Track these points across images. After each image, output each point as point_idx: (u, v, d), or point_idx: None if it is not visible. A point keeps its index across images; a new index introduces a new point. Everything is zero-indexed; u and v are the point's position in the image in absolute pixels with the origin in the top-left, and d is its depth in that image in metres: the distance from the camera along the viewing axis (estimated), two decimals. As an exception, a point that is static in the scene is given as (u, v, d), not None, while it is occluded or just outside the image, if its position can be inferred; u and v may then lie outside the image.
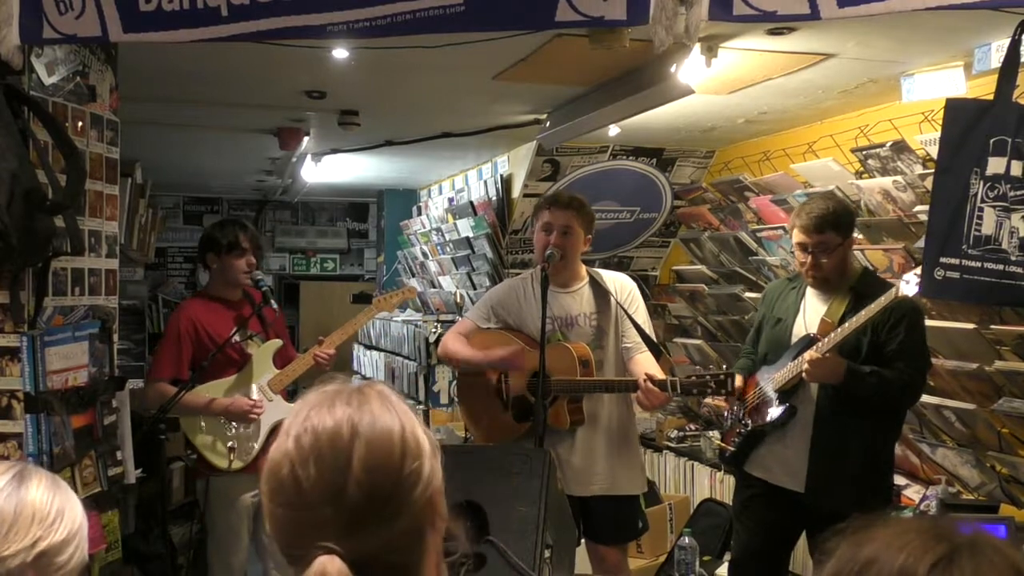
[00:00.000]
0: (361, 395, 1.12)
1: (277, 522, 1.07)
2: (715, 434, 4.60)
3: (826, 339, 2.94)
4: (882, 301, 2.84)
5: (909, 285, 2.80)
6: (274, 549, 1.12)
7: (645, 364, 3.30)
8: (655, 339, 3.43)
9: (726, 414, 3.42)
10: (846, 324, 2.90)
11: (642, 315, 3.38)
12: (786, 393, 3.10)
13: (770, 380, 3.14)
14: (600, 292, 3.36)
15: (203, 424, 3.58)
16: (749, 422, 3.22)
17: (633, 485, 3.38)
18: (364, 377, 7.69)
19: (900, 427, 3.21)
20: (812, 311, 3.14)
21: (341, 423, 1.08)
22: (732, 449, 3.28)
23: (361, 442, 1.06)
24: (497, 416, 3.39)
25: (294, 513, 1.05)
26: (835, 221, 3.03)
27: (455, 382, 3.58)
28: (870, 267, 3.70)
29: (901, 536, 0.92)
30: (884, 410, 3.05)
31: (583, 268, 3.42)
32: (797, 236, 3.09)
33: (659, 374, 3.18)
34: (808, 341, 3.05)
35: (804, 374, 2.94)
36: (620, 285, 3.41)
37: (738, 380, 3.26)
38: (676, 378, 3.14)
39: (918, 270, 2.85)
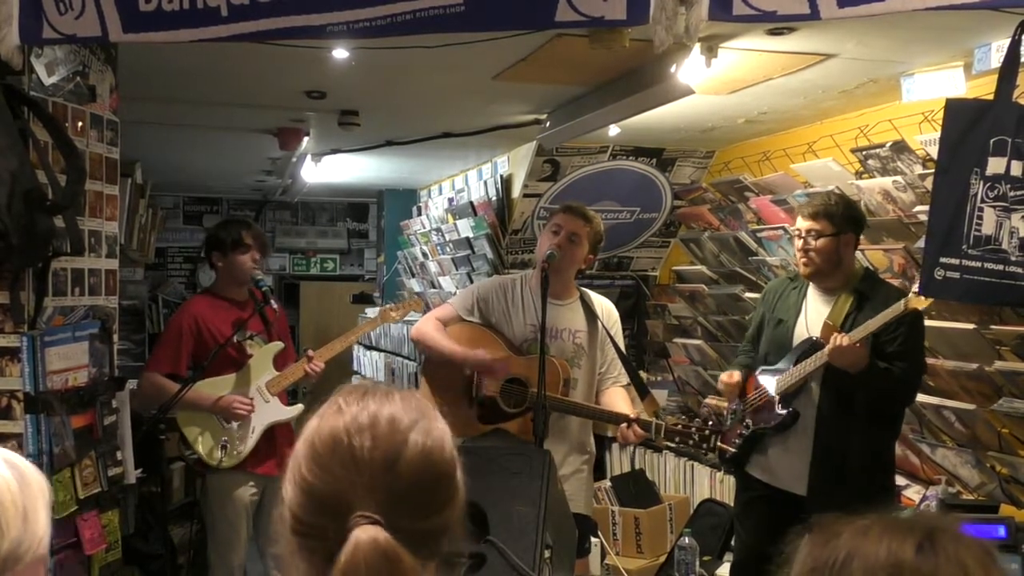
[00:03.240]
0: (418, 400, 1.14)
1: (309, 491, 1.05)
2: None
3: (859, 328, 2.92)
4: (890, 312, 2.85)
5: (919, 298, 2.81)
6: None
7: (614, 397, 3.30)
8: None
9: (725, 414, 3.42)
10: (870, 322, 2.90)
11: (620, 345, 3.39)
12: (788, 396, 3.10)
13: (772, 382, 3.14)
14: (589, 313, 3.35)
15: (198, 421, 3.60)
16: (750, 423, 3.22)
17: (586, 506, 3.38)
18: (364, 377, 7.69)
19: (899, 428, 3.23)
20: (814, 312, 3.14)
21: (401, 412, 1.09)
22: (732, 450, 3.28)
23: (419, 432, 1.08)
24: (460, 409, 3.30)
25: (342, 476, 1.04)
26: (830, 212, 3.07)
27: (422, 364, 3.52)
28: (871, 267, 3.71)
29: (871, 529, 0.94)
30: (884, 410, 3.06)
31: (574, 285, 3.41)
32: (797, 222, 3.16)
33: (630, 411, 3.19)
34: (811, 346, 3.05)
35: (829, 356, 2.92)
36: (607, 312, 3.41)
37: (736, 376, 3.28)
38: (661, 422, 3.14)
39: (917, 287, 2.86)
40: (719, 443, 3.40)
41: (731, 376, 3.27)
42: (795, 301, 3.22)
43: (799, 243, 3.13)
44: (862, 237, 3.77)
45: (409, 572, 1.00)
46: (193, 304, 3.77)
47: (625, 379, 3.36)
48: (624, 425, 3.12)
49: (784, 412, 3.10)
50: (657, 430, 3.10)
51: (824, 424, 3.04)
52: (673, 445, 3.35)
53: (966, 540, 0.93)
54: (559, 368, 3.20)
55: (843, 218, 3.07)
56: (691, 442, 3.11)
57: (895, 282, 3.52)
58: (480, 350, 3.25)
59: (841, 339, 2.89)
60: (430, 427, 1.10)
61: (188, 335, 3.62)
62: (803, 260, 3.12)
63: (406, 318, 6.31)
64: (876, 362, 2.93)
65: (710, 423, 3.20)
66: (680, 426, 3.15)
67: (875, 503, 3.17)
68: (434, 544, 1.08)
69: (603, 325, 3.33)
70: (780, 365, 3.15)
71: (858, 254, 3.70)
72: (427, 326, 3.40)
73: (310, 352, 3.74)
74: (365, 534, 1.00)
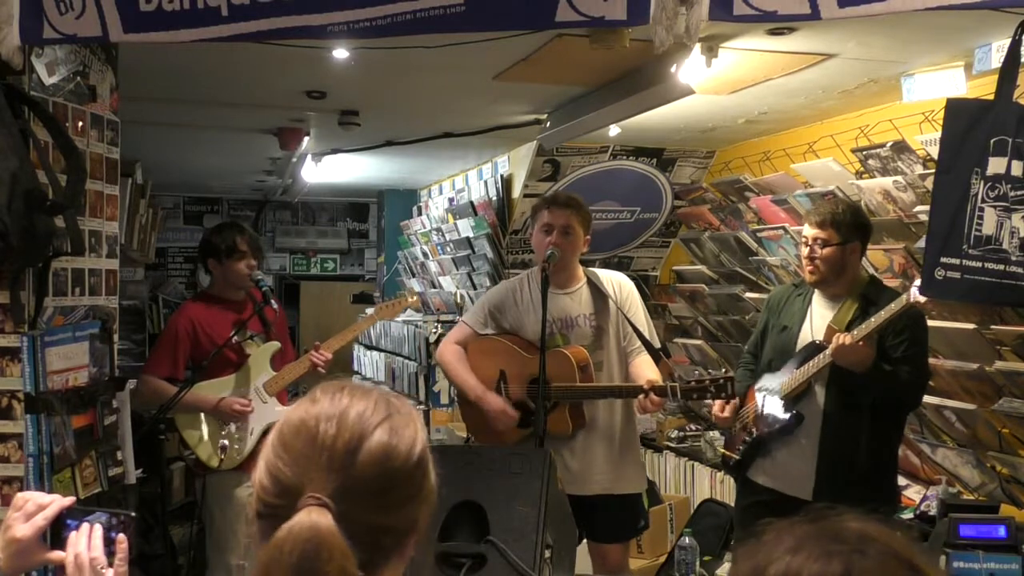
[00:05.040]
0: (400, 403, 1.16)
1: (273, 472, 1.08)
2: (715, 434, 4.60)
3: (862, 326, 2.90)
4: (894, 307, 2.84)
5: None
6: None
7: (644, 367, 3.30)
8: (655, 335, 3.43)
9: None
10: (872, 319, 2.89)
11: (640, 314, 3.38)
12: (791, 400, 3.10)
13: (776, 387, 3.13)
14: (598, 293, 3.36)
15: (196, 423, 3.59)
16: (754, 430, 3.21)
17: (633, 484, 3.38)
18: (364, 378, 7.69)
19: (902, 431, 3.22)
20: (819, 318, 3.13)
21: (372, 409, 1.12)
22: (737, 457, 3.27)
23: (384, 429, 1.10)
24: None
25: (302, 459, 1.07)
26: (838, 221, 3.05)
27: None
28: (872, 268, 3.70)
29: (798, 552, 0.93)
30: (889, 413, 3.06)
31: (581, 269, 3.42)
32: (804, 230, 3.14)
33: (657, 378, 3.19)
34: (814, 348, 3.04)
35: (833, 355, 2.92)
36: (618, 285, 3.41)
37: (728, 409, 3.24)
38: (676, 384, 3.13)
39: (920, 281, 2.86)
40: (724, 450, 3.40)
41: (722, 409, 3.25)
42: (800, 307, 3.21)
43: (805, 251, 3.11)
44: (862, 238, 3.78)
45: (336, 561, 1.00)
46: (189, 307, 3.77)
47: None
48: (641, 396, 3.13)
49: (788, 416, 3.09)
50: (672, 392, 3.10)
51: (829, 427, 3.03)
52: (693, 399, 3.27)
53: (888, 563, 0.91)
54: (571, 357, 3.20)
55: (850, 227, 3.05)
56: (709, 394, 3.09)
57: (895, 282, 3.52)
58: (493, 397, 3.31)
59: (844, 337, 2.88)
60: (398, 427, 1.11)
61: (185, 338, 3.63)
62: (808, 268, 3.10)
63: (404, 316, 6.35)
64: (881, 363, 2.92)
65: (724, 370, 3.16)
66: (694, 383, 3.12)
67: (879, 506, 3.14)
68: (388, 542, 1.09)
69: (614, 301, 3.33)
70: (784, 370, 3.14)
71: (859, 255, 3.71)
72: (447, 353, 3.48)
73: (317, 344, 3.75)
74: (307, 516, 1.02)
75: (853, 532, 0.94)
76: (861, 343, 2.87)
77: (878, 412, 3.00)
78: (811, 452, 3.05)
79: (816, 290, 3.18)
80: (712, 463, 4.63)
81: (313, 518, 1.02)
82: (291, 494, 1.05)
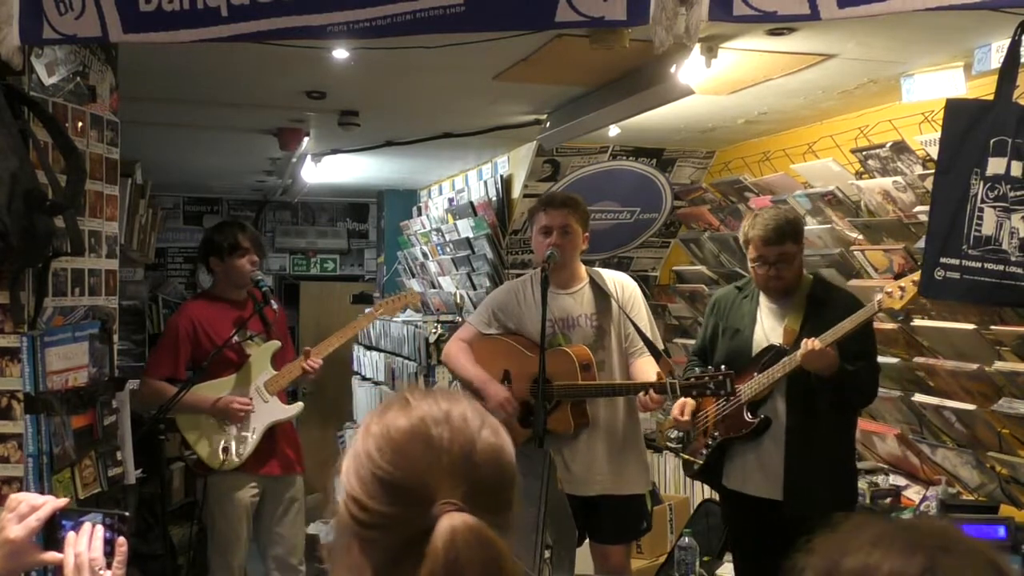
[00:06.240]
0: (480, 406, 1.14)
1: (386, 480, 1.03)
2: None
3: (829, 332, 2.93)
4: (866, 312, 2.92)
5: (892, 297, 2.86)
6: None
7: (644, 367, 3.31)
8: (658, 337, 3.44)
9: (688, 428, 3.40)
10: (839, 325, 2.93)
11: (643, 315, 3.38)
12: (755, 404, 3.12)
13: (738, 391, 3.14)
14: (601, 292, 3.37)
15: (197, 424, 3.59)
16: (717, 434, 3.22)
17: (637, 484, 3.38)
18: (364, 378, 7.69)
19: (856, 426, 3.28)
20: (770, 321, 3.17)
21: (471, 412, 1.10)
22: (699, 462, 3.28)
23: (488, 430, 1.08)
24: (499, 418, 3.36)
25: (423, 465, 1.03)
26: (793, 231, 3.08)
27: (457, 383, 3.58)
28: (872, 269, 3.71)
29: (878, 546, 0.91)
30: (848, 407, 3.12)
31: (583, 268, 3.42)
32: (756, 250, 3.11)
33: (655, 378, 3.19)
34: (776, 352, 3.06)
35: (802, 360, 2.93)
36: (621, 285, 3.42)
37: (688, 407, 3.25)
38: (675, 380, 3.14)
39: (890, 286, 2.92)
40: (685, 455, 3.41)
41: (682, 412, 3.24)
42: (749, 310, 3.23)
43: (765, 269, 3.10)
44: (862, 237, 3.80)
45: (505, 556, 0.98)
46: (190, 307, 3.76)
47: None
48: (641, 393, 3.14)
49: (755, 420, 3.11)
50: (672, 389, 3.11)
51: (793, 428, 3.07)
52: (692, 396, 3.26)
53: (974, 563, 0.90)
54: (572, 355, 3.21)
55: (801, 232, 3.14)
56: (708, 391, 3.10)
57: (858, 285, 3.56)
58: (495, 386, 3.32)
59: (812, 344, 2.91)
60: (496, 428, 1.10)
61: (186, 338, 3.62)
62: (774, 285, 3.12)
63: (403, 316, 6.35)
64: (845, 365, 2.95)
65: (722, 367, 3.17)
66: (693, 379, 3.13)
67: (846, 501, 3.21)
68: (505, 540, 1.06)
69: (617, 302, 3.33)
70: (743, 375, 3.14)
71: (858, 255, 3.72)
72: (453, 350, 3.50)
73: (308, 349, 3.74)
74: (458, 520, 0.99)
75: (936, 530, 0.93)
76: (829, 348, 2.90)
77: (838, 408, 3.05)
78: (777, 454, 3.09)
79: (762, 292, 3.20)
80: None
81: (467, 522, 0.98)
82: (416, 501, 1.01)
